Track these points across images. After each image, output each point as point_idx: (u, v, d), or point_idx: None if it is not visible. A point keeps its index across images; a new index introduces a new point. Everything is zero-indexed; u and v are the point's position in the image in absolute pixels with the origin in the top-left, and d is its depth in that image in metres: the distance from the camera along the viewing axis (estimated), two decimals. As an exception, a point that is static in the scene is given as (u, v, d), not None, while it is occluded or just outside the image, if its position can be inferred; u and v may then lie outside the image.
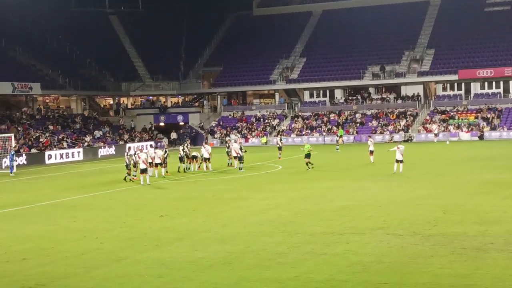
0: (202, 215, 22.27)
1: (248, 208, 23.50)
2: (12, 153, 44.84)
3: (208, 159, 38.41)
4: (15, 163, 44.90)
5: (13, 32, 72.11)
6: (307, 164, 37.06)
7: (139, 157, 32.83)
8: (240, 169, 38.01)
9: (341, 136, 62.71)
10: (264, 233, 18.52)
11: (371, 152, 39.80)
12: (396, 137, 63.81)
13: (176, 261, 15.48)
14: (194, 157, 39.02)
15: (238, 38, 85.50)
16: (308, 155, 37.14)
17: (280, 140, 48.53)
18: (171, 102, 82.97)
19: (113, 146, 61.58)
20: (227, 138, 55.73)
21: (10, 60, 67.66)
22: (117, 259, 15.98)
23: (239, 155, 38.35)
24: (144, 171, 32.55)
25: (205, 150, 38.52)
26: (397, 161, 33.47)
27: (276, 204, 24.10)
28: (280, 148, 46.76)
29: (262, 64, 79.72)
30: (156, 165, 36.25)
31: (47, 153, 54.19)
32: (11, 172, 43.41)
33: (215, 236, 18.41)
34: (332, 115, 72.31)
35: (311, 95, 77.80)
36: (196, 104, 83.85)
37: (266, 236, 18.05)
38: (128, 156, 35.26)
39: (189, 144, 40.38)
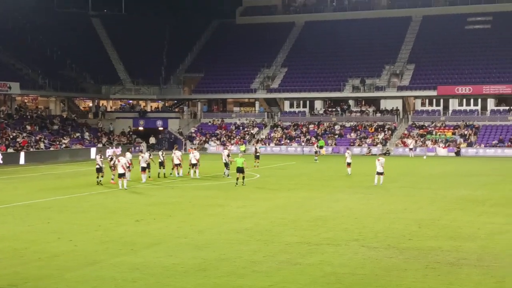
0: (178, 221, 22.22)
1: (225, 216, 23.49)
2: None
3: (195, 165, 38.31)
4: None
5: (-7, 30, 71.54)
6: (237, 179, 33.87)
7: (118, 161, 32.69)
8: (225, 175, 38.59)
9: (321, 147, 62.81)
10: (240, 241, 18.52)
11: (349, 164, 40.06)
12: (374, 150, 64.21)
13: (151, 266, 15.43)
14: (177, 164, 38.98)
15: (220, 46, 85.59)
16: (240, 169, 33.71)
17: (259, 148, 48.55)
18: (151, 106, 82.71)
19: (90, 148, 61.15)
20: (190, 147, 56.05)
21: (-11, 58, 67.09)
22: (91, 262, 15.88)
23: (225, 162, 38.64)
24: (122, 175, 32.45)
25: (192, 156, 38.45)
26: (377, 173, 33.73)
27: (252, 213, 24.11)
28: (257, 157, 46.88)
29: (244, 73, 79.90)
30: (143, 169, 36.12)
31: (23, 153, 53.65)
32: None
33: (190, 242, 18.37)
34: (311, 126, 72.61)
35: (291, 105, 78.08)
36: (176, 109, 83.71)
37: (242, 244, 18.05)
38: (102, 159, 34.91)
39: (177, 151, 39.96)
